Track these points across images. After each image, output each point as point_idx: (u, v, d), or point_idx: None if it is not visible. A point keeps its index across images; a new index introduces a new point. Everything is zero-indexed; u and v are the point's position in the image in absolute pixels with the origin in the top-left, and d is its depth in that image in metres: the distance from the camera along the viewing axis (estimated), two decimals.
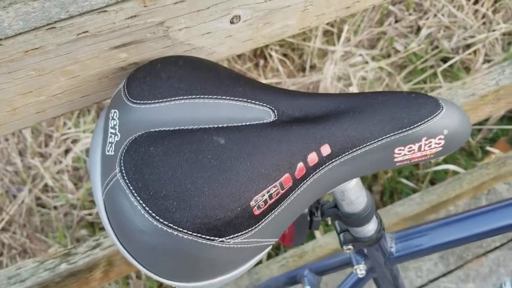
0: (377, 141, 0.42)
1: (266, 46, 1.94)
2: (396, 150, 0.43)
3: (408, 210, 1.27)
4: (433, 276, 1.37)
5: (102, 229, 1.63)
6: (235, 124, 0.40)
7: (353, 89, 1.79)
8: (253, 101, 0.41)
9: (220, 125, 0.40)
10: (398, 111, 0.42)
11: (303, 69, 1.94)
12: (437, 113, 0.42)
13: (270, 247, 0.43)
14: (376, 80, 1.87)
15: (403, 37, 2.07)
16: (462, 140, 0.45)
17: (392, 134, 0.42)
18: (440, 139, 0.43)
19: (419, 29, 2.07)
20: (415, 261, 1.40)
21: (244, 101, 0.41)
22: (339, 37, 1.93)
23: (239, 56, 1.98)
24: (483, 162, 1.38)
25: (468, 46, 2.01)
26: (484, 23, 2.06)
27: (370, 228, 0.54)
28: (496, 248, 1.41)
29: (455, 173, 1.52)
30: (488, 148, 1.55)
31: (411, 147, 0.43)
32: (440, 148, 0.44)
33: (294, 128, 0.40)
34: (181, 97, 0.40)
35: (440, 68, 1.90)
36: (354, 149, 0.41)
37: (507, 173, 1.32)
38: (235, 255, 0.39)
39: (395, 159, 0.43)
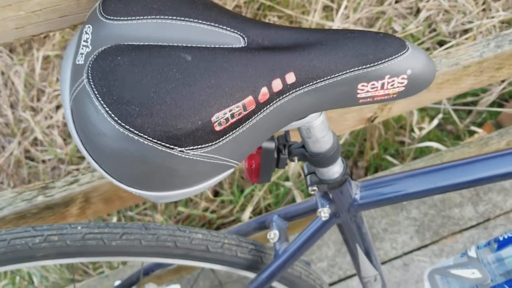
0: (341, 74, 0.43)
1: (265, 16, 1.94)
2: (359, 86, 0.44)
3: None
4: (408, 248, 1.40)
5: None
6: (205, 45, 0.41)
7: None
8: (225, 27, 0.42)
9: (189, 45, 0.41)
10: (364, 47, 0.43)
11: None
12: (402, 53, 0.44)
13: (232, 169, 0.44)
14: None
15: (402, 18, 2.07)
16: (426, 83, 0.46)
17: (356, 68, 0.43)
18: (403, 78, 0.44)
19: (418, 11, 2.07)
20: (391, 233, 1.43)
21: (216, 26, 0.42)
22: (338, 13, 1.93)
23: None
24: (466, 141, 1.40)
25: (465, 31, 2.01)
26: (483, 10, 2.06)
27: (335, 170, 0.56)
28: (472, 226, 1.44)
29: (437, 150, 1.54)
30: (472, 128, 1.57)
31: (374, 84, 0.44)
32: (403, 88, 0.45)
33: (261, 55, 0.41)
34: (154, 16, 0.41)
35: (435, 51, 1.90)
36: (319, 80, 0.43)
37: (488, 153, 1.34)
38: (195, 168, 0.40)
39: (358, 95, 0.45)
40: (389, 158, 1.64)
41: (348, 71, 0.43)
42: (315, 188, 0.58)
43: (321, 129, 0.51)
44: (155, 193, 0.42)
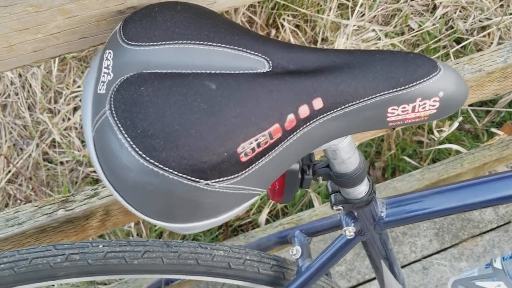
0: (370, 99, 0.41)
1: (279, 15, 1.92)
2: (389, 109, 0.42)
3: (407, 186, 1.27)
4: (427, 252, 1.38)
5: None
6: (228, 72, 0.40)
7: None
8: (249, 51, 0.41)
9: (213, 71, 0.40)
10: (394, 69, 0.41)
11: (315, 41, 1.92)
12: (433, 75, 0.42)
13: (257, 197, 0.43)
14: None
15: (418, 15, 2.03)
16: (458, 105, 0.44)
17: (386, 92, 0.41)
18: (435, 101, 0.43)
19: (435, 8, 2.03)
20: (410, 236, 1.41)
21: (239, 50, 0.41)
22: (353, 11, 1.90)
23: (251, 24, 1.96)
24: (487, 143, 1.37)
25: (483, 28, 1.97)
26: (501, 6, 2.02)
27: (361, 190, 0.55)
28: (492, 229, 1.41)
29: (457, 152, 1.51)
30: (493, 130, 1.54)
31: (404, 107, 0.42)
32: (435, 111, 0.43)
33: (287, 80, 0.40)
34: (176, 41, 0.40)
35: (453, 49, 1.87)
36: (347, 105, 0.41)
37: (509, 155, 1.32)
38: (220, 200, 0.39)
39: (388, 119, 0.43)
40: (406, 158, 1.62)
41: (377, 95, 0.41)
42: (340, 207, 0.56)
43: (347, 151, 0.49)
44: (179, 225, 0.41)
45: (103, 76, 0.40)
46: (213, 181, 0.37)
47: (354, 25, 1.88)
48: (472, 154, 1.30)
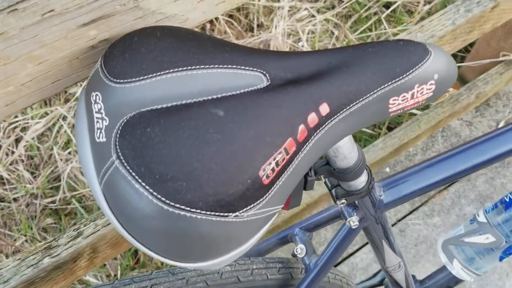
0: (372, 94, 0.41)
1: None
2: (390, 101, 0.42)
3: (373, 156, 1.30)
4: (401, 215, 1.43)
5: (67, 215, 1.59)
6: (230, 93, 0.38)
7: (304, 45, 1.79)
8: (243, 67, 0.39)
9: (214, 96, 0.38)
10: (389, 61, 0.41)
11: (251, 29, 1.91)
12: (426, 59, 0.42)
13: (277, 214, 0.42)
14: (324, 33, 1.88)
15: None
16: (450, 83, 0.45)
17: (386, 84, 0.41)
18: (431, 84, 0.43)
19: None
20: None
21: (233, 68, 0.39)
22: None
23: None
24: (438, 101, 1.42)
25: None
26: None
27: (361, 181, 0.55)
28: (456, 181, 1.48)
29: (411, 115, 1.56)
30: None
31: (404, 96, 0.43)
32: (431, 94, 0.44)
33: (289, 91, 0.39)
34: (167, 71, 0.37)
35: (383, 14, 1.92)
36: (352, 105, 0.41)
37: (460, 109, 1.38)
38: (248, 228, 0.38)
39: (390, 110, 0.43)
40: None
41: (378, 89, 0.41)
42: (343, 201, 0.56)
43: (348, 147, 0.49)
44: (208, 262, 0.39)
45: (97, 122, 0.37)
46: (241, 211, 0.36)
47: (286, 7, 1.88)
48: (427, 114, 1.35)
